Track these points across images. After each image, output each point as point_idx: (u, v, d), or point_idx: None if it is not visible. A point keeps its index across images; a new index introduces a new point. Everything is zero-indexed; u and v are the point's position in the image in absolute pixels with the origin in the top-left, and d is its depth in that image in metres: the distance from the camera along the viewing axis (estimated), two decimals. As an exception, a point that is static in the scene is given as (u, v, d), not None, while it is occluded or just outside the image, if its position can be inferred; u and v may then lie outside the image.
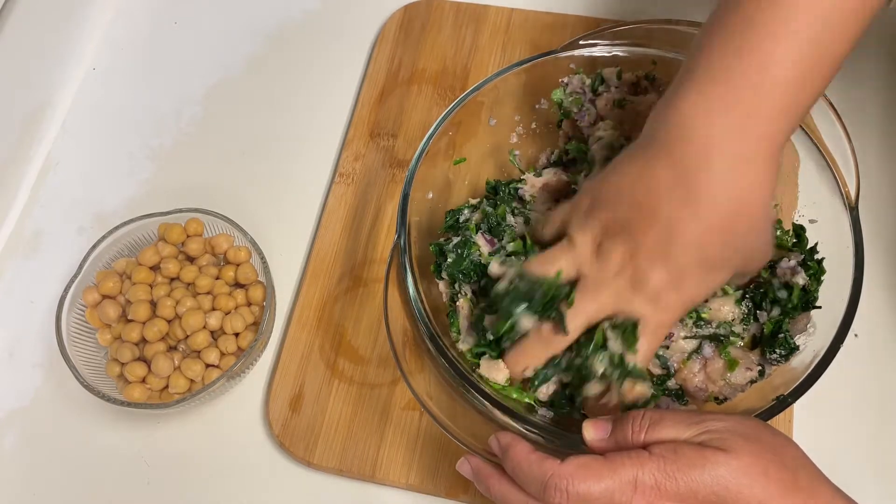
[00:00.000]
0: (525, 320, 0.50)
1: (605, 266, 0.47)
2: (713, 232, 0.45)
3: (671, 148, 0.45)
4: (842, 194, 0.54)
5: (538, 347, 0.50)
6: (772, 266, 0.54)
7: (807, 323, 0.52)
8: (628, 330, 0.47)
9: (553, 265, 0.49)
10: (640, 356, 0.48)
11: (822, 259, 0.53)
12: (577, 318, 0.48)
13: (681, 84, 0.45)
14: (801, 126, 0.56)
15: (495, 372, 0.51)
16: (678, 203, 0.44)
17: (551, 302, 0.49)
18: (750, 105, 0.43)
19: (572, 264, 0.49)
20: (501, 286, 0.51)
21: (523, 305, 0.49)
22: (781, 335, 0.52)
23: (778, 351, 0.52)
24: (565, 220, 0.51)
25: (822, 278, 0.53)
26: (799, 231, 0.57)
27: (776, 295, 0.53)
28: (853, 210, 0.53)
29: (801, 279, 0.53)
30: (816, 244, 0.55)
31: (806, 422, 0.57)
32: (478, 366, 0.53)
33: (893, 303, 0.62)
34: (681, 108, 0.45)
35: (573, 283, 0.49)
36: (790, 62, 0.43)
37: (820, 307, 0.52)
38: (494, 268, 0.53)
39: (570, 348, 0.49)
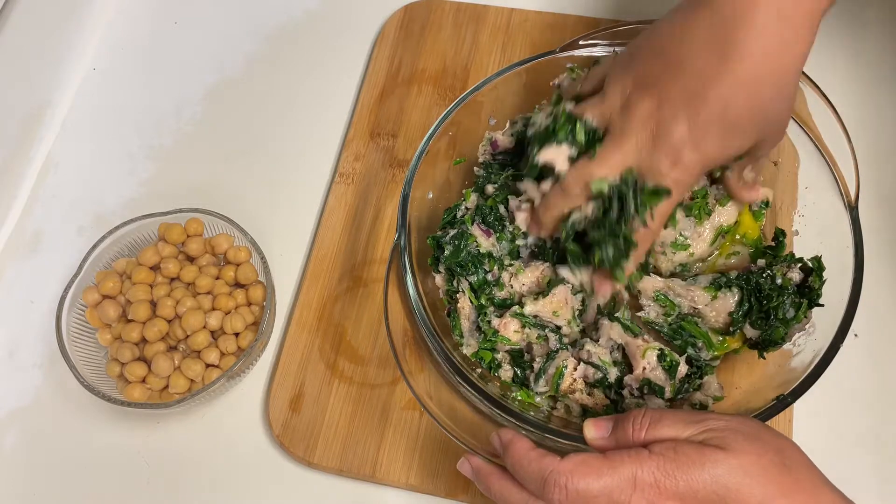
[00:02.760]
0: (548, 154, 0.51)
1: (632, 117, 0.48)
2: (741, 89, 0.45)
3: (712, 4, 0.45)
4: (841, 194, 0.54)
5: (559, 198, 0.51)
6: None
7: (806, 322, 0.52)
8: (646, 190, 0.48)
9: (583, 113, 0.50)
10: (657, 214, 0.48)
11: (820, 256, 0.53)
12: (600, 168, 0.49)
13: None
14: (800, 126, 0.56)
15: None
16: (711, 57, 0.45)
17: (572, 135, 0.50)
18: None
19: (601, 115, 0.50)
20: (533, 128, 0.53)
21: (551, 140, 0.51)
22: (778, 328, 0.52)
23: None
24: (605, 73, 0.51)
25: (824, 276, 0.53)
26: (779, 236, 0.57)
27: (773, 291, 0.53)
28: (853, 210, 0.53)
29: (795, 274, 0.53)
30: (792, 254, 0.55)
31: (806, 422, 0.57)
32: (481, 361, 0.53)
33: (893, 302, 0.62)
34: None
35: (594, 133, 0.50)
36: None
37: (822, 305, 0.52)
38: (537, 118, 0.54)
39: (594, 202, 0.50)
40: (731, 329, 0.53)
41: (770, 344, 0.53)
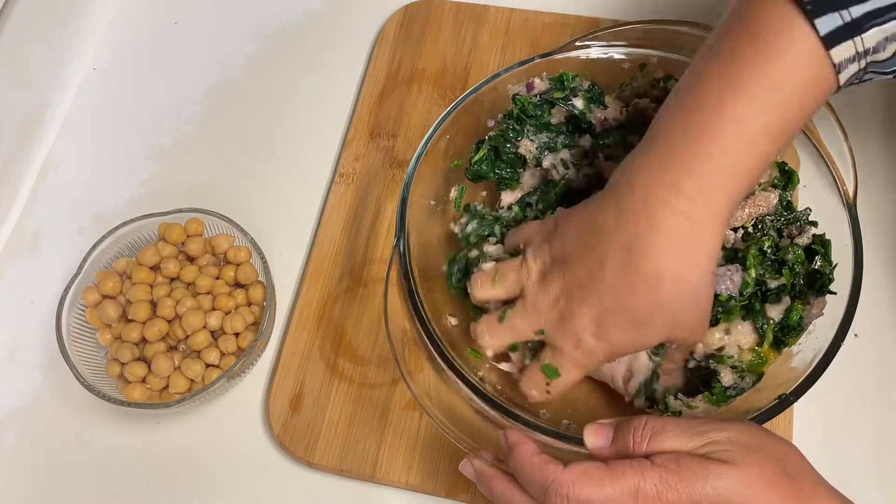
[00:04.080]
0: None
1: (545, 294, 0.48)
2: (643, 284, 0.44)
3: (619, 191, 0.46)
4: (840, 193, 0.54)
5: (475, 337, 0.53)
6: (778, 231, 0.54)
7: (822, 308, 0.52)
8: (546, 367, 0.50)
9: (502, 277, 0.51)
10: (554, 391, 0.50)
11: (824, 234, 0.53)
12: (504, 334, 0.51)
13: (642, 142, 0.46)
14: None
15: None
16: (615, 248, 0.45)
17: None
18: (689, 163, 0.43)
19: (517, 282, 0.51)
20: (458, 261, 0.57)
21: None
22: (795, 318, 0.52)
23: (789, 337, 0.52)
24: (528, 238, 0.52)
25: (832, 259, 0.52)
26: (784, 168, 0.57)
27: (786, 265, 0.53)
28: (851, 208, 0.53)
29: (805, 238, 0.53)
30: (808, 209, 0.55)
31: (806, 422, 0.57)
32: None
33: (893, 301, 0.62)
34: (633, 162, 0.46)
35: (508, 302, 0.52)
36: (732, 127, 0.42)
37: (835, 293, 0.52)
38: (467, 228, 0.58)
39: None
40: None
41: (788, 332, 0.52)
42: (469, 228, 0.59)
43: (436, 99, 0.73)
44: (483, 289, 0.52)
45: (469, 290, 0.54)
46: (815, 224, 0.54)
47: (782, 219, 0.54)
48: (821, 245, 0.53)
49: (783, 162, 0.58)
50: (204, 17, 0.81)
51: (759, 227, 0.54)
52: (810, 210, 0.55)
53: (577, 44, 0.60)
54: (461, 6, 0.77)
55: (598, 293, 0.46)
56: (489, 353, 0.52)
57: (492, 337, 0.52)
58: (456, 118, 0.58)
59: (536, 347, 0.52)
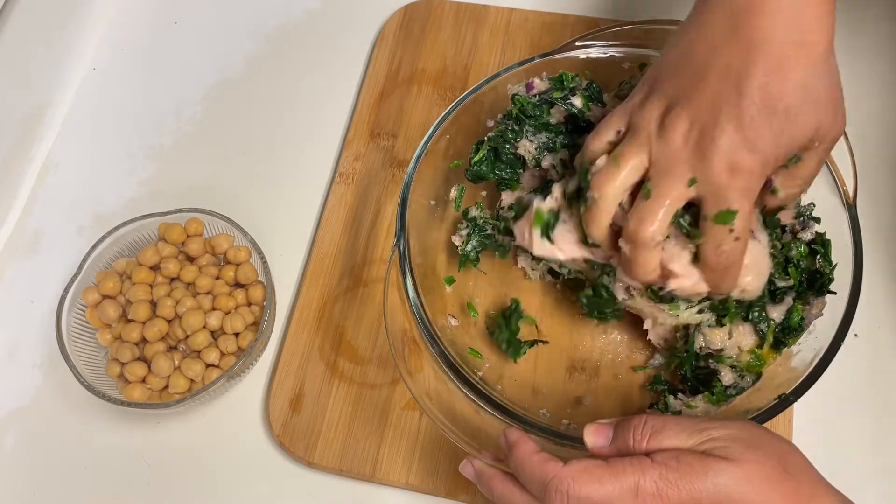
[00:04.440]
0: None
1: (674, 140, 0.44)
2: (775, 73, 0.42)
3: (717, 5, 0.43)
4: (840, 192, 0.54)
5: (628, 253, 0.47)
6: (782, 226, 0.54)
7: (822, 308, 0.52)
8: (719, 215, 0.44)
9: (623, 158, 0.46)
10: (740, 231, 0.45)
11: (825, 233, 0.53)
12: (660, 208, 0.45)
13: None
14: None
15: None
16: (736, 51, 0.43)
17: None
18: None
19: (640, 151, 0.46)
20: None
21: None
22: (796, 319, 0.52)
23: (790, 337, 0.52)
24: (623, 113, 0.47)
25: (832, 258, 0.52)
26: None
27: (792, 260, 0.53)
28: (851, 208, 0.53)
29: (808, 234, 0.53)
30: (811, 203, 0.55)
31: (806, 421, 0.57)
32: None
33: (893, 301, 0.62)
34: None
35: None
36: None
37: (835, 293, 0.52)
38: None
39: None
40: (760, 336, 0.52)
41: (789, 332, 0.52)
42: (469, 247, 0.59)
43: (436, 99, 0.73)
44: (610, 182, 0.46)
45: (594, 209, 0.47)
46: (818, 220, 0.54)
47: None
48: (821, 245, 0.53)
49: None
50: (204, 17, 0.81)
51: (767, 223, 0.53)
52: (814, 205, 0.55)
53: (577, 44, 0.60)
54: (461, 6, 0.77)
55: (733, 104, 0.42)
56: (659, 237, 0.45)
57: (651, 221, 0.45)
58: (456, 118, 0.59)
59: (688, 230, 0.46)
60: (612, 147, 0.48)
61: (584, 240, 0.50)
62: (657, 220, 0.45)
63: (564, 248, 0.52)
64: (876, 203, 0.65)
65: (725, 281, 0.47)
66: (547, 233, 0.52)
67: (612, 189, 0.47)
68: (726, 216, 0.44)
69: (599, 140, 0.49)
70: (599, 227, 0.48)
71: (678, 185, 0.45)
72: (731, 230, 0.45)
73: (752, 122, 0.43)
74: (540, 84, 0.59)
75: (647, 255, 0.46)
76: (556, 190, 0.53)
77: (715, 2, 0.44)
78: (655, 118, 0.46)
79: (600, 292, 0.53)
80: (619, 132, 0.48)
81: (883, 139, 0.68)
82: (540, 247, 0.52)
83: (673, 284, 0.47)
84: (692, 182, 0.44)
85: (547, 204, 0.52)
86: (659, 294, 0.50)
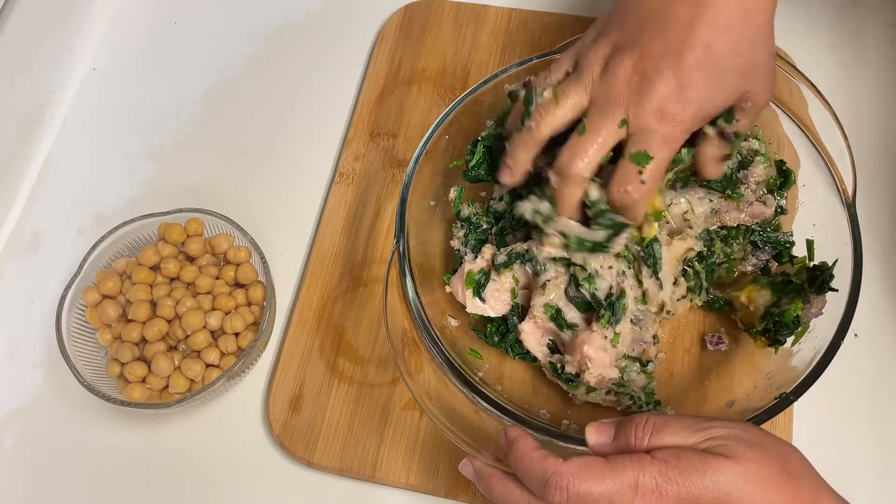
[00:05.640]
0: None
1: (615, 80, 0.47)
2: (719, 32, 0.45)
3: None
4: (839, 192, 0.54)
5: (558, 185, 0.50)
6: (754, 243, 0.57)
7: (822, 307, 0.52)
8: (635, 155, 0.47)
9: (564, 94, 0.48)
10: (648, 177, 0.47)
11: (812, 241, 0.55)
12: (592, 145, 0.48)
13: None
14: (797, 124, 0.56)
15: None
16: (685, 6, 0.45)
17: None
18: None
19: (581, 91, 0.48)
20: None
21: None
22: (791, 316, 0.52)
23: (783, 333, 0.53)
24: (575, 53, 0.50)
25: (830, 259, 0.53)
26: (782, 167, 0.58)
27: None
28: (850, 207, 0.53)
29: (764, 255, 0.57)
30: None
31: (806, 421, 0.57)
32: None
33: (893, 301, 0.62)
34: None
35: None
36: None
37: (836, 290, 0.52)
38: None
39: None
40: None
41: (783, 328, 0.52)
42: (468, 247, 0.59)
43: (436, 99, 0.73)
44: (548, 115, 0.49)
45: (526, 135, 0.50)
46: (788, 248, 0.57)
47: (764, 234, 0.57)
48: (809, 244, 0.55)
49: (781, 161, 0.58)
50: (204, 17, 0.81)
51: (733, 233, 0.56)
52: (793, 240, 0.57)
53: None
54: (461, 6, 0.77)
55: (675, 53, 0.45)
56: (587, 174, 0.48)
57: (581, 157, 0.48)
58: (456, 118, 0.58)
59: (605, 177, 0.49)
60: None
61: (512, 297, 0.56)
62: (587, 155, 0.48)
63: (495, 306, 0.56)
64: (874, 202, 0.65)
65: (626, 215, 0.50)
66: (478, 292, 0.56)
67: (549, 121, 0.49)
68: (641, 157, 0.47)
69: (548, 78, 0.51)
70: (526, 154, 0.51)
71: (611, 124, 0.47)
72: (640, 172, 0.47)
73: (689, 73, 0.45)
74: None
75: (574, 190, 0.49)
76: (487, 252, 0.56)
77: None
78: (600, 60, 0.48)
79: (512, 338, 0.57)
80: (567, 72, 0.50)
81: (883, 139, 0.68)
82: (472, 305, 0.57)
83: (587, 376, 0.52)
84: (623, 122, 0.47)
85: (477, 265, 0.56)
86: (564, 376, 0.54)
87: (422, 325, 0.52)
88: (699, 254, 0.55)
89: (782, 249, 0.57)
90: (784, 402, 0.48)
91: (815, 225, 0.56)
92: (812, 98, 0.56)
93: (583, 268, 0.52)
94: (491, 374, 0.58)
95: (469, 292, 0.56)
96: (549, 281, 0.54)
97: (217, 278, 0.63)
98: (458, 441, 0.49)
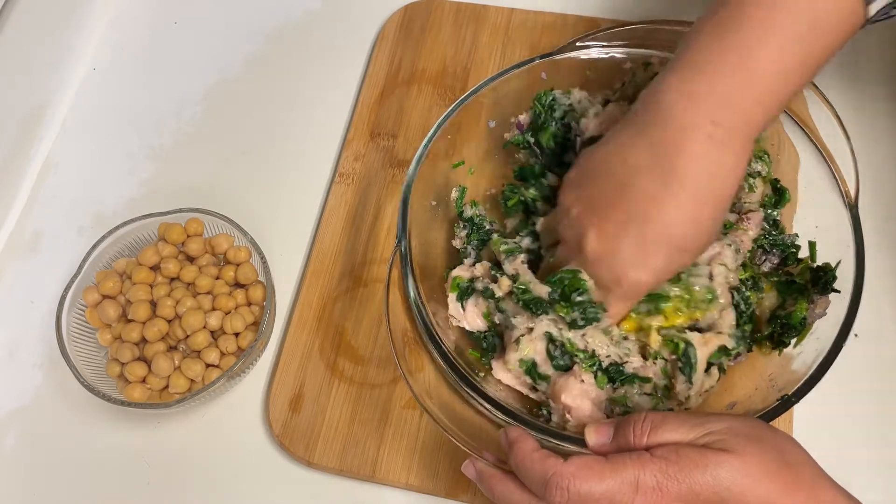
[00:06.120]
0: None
1: (580, 247, 0.49)
2: (685, 212, 0.46)
3: (651, 129, 0.46)
4: (841, 193, 0.54)
5: None
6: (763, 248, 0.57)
7: (826, 307, 0.52)
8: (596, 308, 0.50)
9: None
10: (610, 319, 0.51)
11: (814, 242, 0.55)
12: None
13: (667, 71, 0.46)
14: (799, 126, 0.56)
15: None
16: (654, 181, 0.46)
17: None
18: (728, 94, 0.44)
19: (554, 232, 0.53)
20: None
21: None
22: (798, 317, 0.52)
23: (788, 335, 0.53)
24: (556, 221, 0.53)
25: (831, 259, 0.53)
26: (776, 185, 0.58)
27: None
28: (853, 208, 0.53)
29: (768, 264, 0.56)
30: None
31: (807, 422, 0.57)
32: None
33: (894, 302, 0.62)
34: (663, 92, 0.46)
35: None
36: (771, 59, 0.44)
37: (839, 291, 0.52)
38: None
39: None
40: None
41: (789, 330, 0.52)
42: (470, 247, 0.60)
43: (436, 99, 0.73)
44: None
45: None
46: (795, 250, 0.56)
47: (770, 238, 0.56)
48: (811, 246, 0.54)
49: (776, 179, 0.58)
50: (204, 17, 0.81)
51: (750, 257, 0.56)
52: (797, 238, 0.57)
53: (577, 44, 0.60)
54: (461, 6, 0.77)
55: (640, 226, 0.46)
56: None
57: None
58: (456, 119, 0.58)
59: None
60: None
61: (486, 319, 0.56)
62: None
63: (472, 322, 0.56)
64: (877, 203, 0.65)
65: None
66: (461, 299, 0.56)
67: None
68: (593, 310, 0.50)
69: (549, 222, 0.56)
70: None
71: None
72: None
73: (652, 247, 0.47)
74: (524, 118, 0.61)
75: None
76: (479, 268, 0.56)
77: (642, 126, 0.47)
78: (574, 213, 0.50)
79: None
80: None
81: (885, 139, 0.68)
82: (454, 309, 0.56)
83: (569, 427, 0.51)
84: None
85: (466, 273, 0.56)
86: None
87: (423, 326, 0.52)
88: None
89: (789, 253, 0.56)
90: (786, 403, 0.48)
91: (817, 227, 0.56)
92: (813, 96, 0.56)
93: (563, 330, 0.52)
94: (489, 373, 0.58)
95: (452, 296, 0.56)
96: (522, 336, 0.52)
97: (217, 278, 0.63)
98: (459, 441, 0.49)
